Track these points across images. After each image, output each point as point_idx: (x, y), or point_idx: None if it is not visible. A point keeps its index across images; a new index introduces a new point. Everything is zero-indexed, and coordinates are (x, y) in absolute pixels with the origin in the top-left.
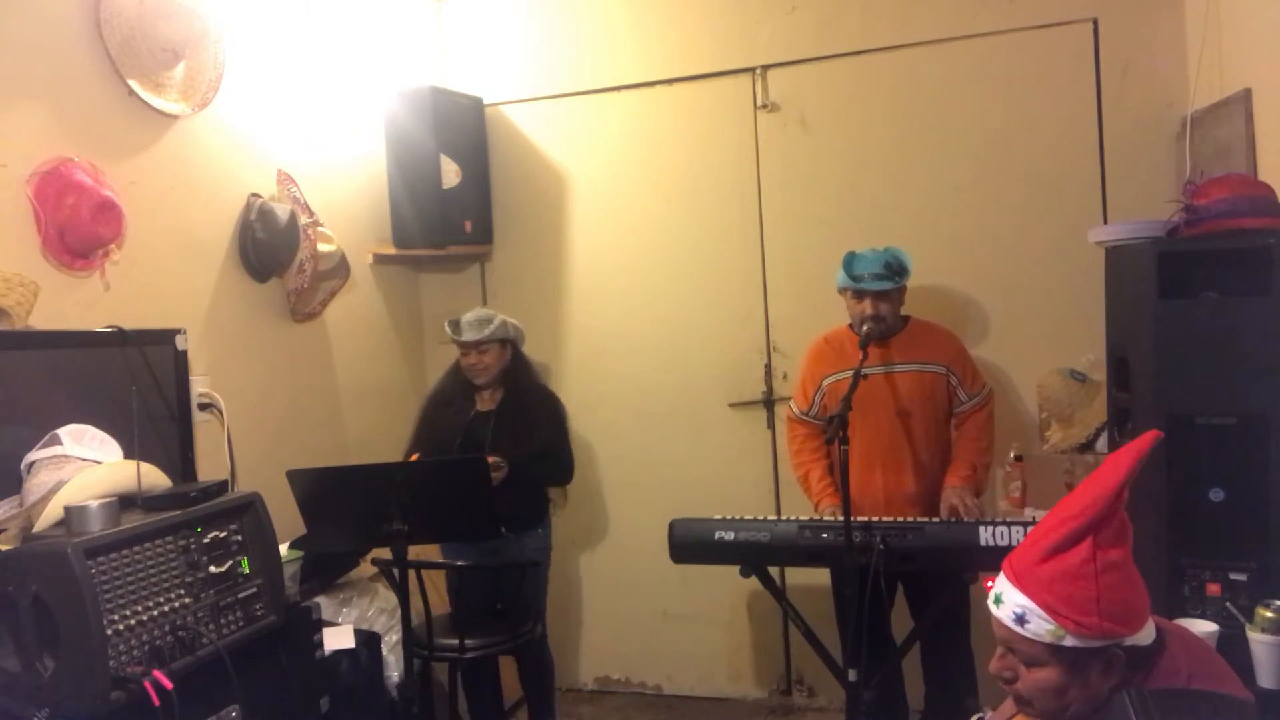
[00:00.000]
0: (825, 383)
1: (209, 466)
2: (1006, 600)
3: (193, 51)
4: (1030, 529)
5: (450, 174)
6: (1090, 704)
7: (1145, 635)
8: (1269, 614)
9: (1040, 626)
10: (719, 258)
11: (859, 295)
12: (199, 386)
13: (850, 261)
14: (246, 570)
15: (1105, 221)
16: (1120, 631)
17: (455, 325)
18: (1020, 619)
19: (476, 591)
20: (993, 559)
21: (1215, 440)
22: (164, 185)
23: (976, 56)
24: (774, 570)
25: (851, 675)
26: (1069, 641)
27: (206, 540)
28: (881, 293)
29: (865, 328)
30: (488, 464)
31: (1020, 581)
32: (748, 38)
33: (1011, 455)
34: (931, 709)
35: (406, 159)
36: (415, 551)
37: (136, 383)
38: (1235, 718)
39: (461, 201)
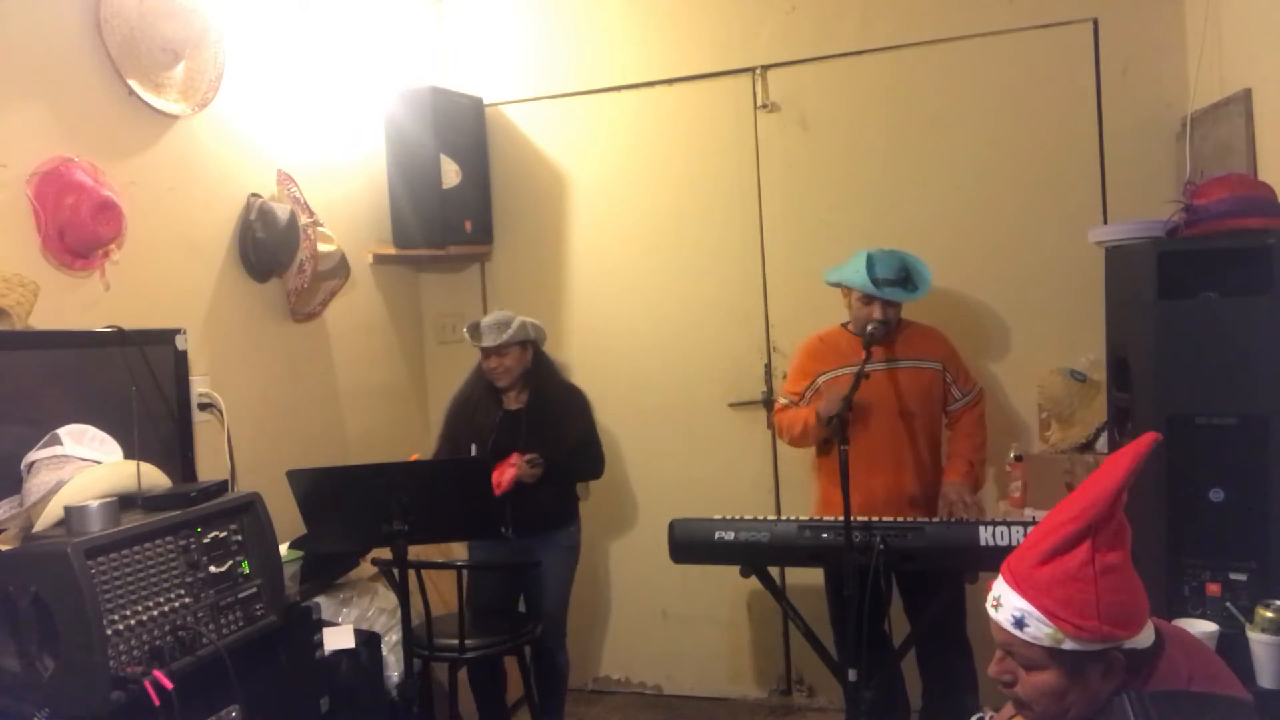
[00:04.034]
0: (820, 380)
1: (209, 466)
2: (1005, 604)
3: (193, 51)
4: (1030, 530)
5: (450, 174)
6: (1090, 707)
7: (1144, 638)
8: (1269, 614)
9: (1039, 630)
10: (719, 258)
11: (868, 299)
12: (199, 386)
13: (870, 264)
14: (246, 570)
15: (1105, 221)
16: (1120, 634)
17: (475, 329)
18: (1019, 623)
19: (495, 591)
20: (993, 559)
21: (1215, 440)
22: (164, 185)
23: (976, 56)
24: (774, 570)
25: (851, 675)
26: (1068, 645)
27: (206, 540)
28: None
29: (871, 329)
30: (488, 465)
31: (1019, 585)
32: (748, 38)
33: (1011, 455)
34: (930, 709)
35: (406, 159)
36: (415, 551)
37: (136, 383)
38: (1233, 718)
39: (461, 201)
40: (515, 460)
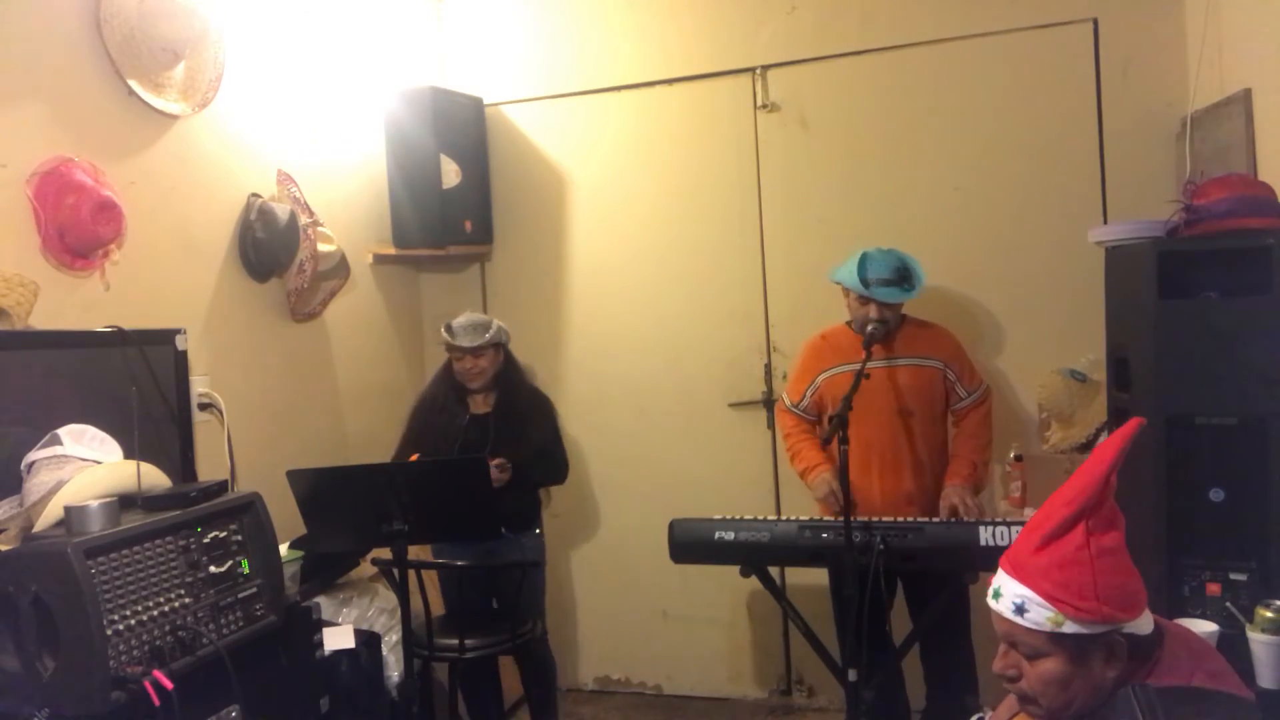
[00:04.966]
0: (820, 378)
1: (209, 466)
2: (1005, 592)
3: (193, 51)
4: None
5: (450, 174)
6: (1094, 696)
7: (1144, 624)
8: (1269, 614)
9: (1040, 615)
10: (719, 258)
11: (864, 299)
12: (199, 386)
13: (863, 264)
14: (246, 570)
15: (1105, 221)
16: (1119, 616)
17: (450, 329)
18: (1020, 609)
19: (473, 592)
20: (992, 559)
21: (1215, 440)
22: (164, 185)
23: (976, 56)
24: (774, 570)
25: (851, 675)
26: (1069, 628)
27: (206, 540)
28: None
29: (870, 329)
30: (488, 464)
31: (1018, 572)
32: (748, 38)
33: (1011, 455)
34: (933, 709)
35: (406, 159)
36: (415, 551)
37: (136, 383)
38: (1237, 716)
39: (461, 201)
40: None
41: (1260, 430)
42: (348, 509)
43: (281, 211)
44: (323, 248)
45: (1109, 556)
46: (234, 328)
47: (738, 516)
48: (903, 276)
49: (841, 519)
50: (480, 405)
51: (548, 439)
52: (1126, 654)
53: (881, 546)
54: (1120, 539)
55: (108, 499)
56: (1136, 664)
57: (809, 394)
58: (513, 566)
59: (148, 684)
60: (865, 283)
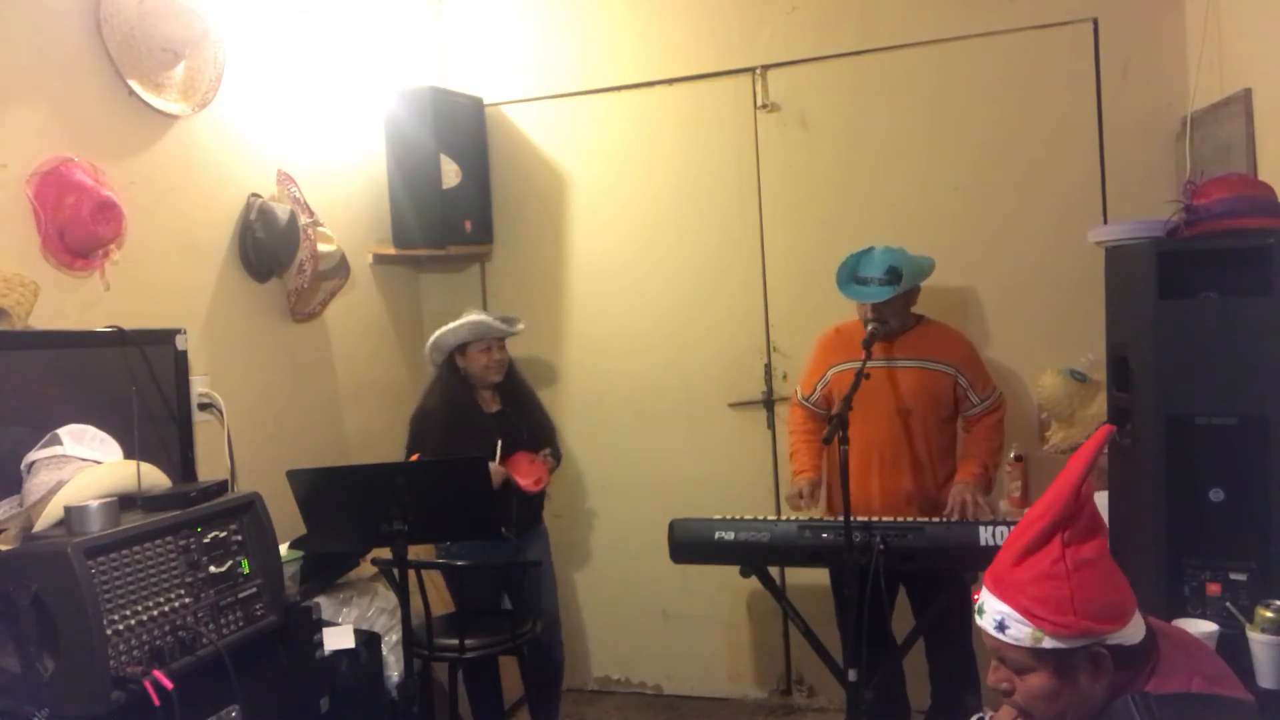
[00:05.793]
0: (830, 372)
1: (209, 466)
2: (987, 609)
3: (193, 51)
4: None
5: (450, 174)
6: (1086, 709)
7: (1131, 633)
8: (1269, 614)
9: (1019, 631)
10: (719, 258)
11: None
12: (199, 386)
13: (855, 264)
14: (246, 570)
15: (1105, 221)
16: (1099, 629)
17: (502, 320)
18: (1000, 626)
19: (485, 591)
20: (992, 559)
21: (1215, 440)
22: (164, 185)
23: (976, 56)
24: (774, 570)
25: (851, 675)
26: (1048, 643)
27: (206, 540)
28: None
29: (870, 329)
30: (488, 464)
31: (998, 588)
32: (748, 38)
33: (1012, 455)
34: (937, 709)
35: (406, 159)
36: (415, 551)
37: (136, 383)
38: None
39: (461, 201)
40: (533, 457)
41: (1260, 430)
42: (348, 509)
43: (281, 211)
44: (323, 248)
45: (1087, 569)
46: (234, 328)
47: (738, 516)
48: (896, 277)
49: (841, 519)
50: (490, 403)
51: (553, 429)
52: (1112, 665)
53: (881, 546)
54: (1101, 548)
55: (108, 499)
56: (1130, 672)
57: (819, 388)
58: (514, 565)
59: (148, 684)
60: (844, 279)
